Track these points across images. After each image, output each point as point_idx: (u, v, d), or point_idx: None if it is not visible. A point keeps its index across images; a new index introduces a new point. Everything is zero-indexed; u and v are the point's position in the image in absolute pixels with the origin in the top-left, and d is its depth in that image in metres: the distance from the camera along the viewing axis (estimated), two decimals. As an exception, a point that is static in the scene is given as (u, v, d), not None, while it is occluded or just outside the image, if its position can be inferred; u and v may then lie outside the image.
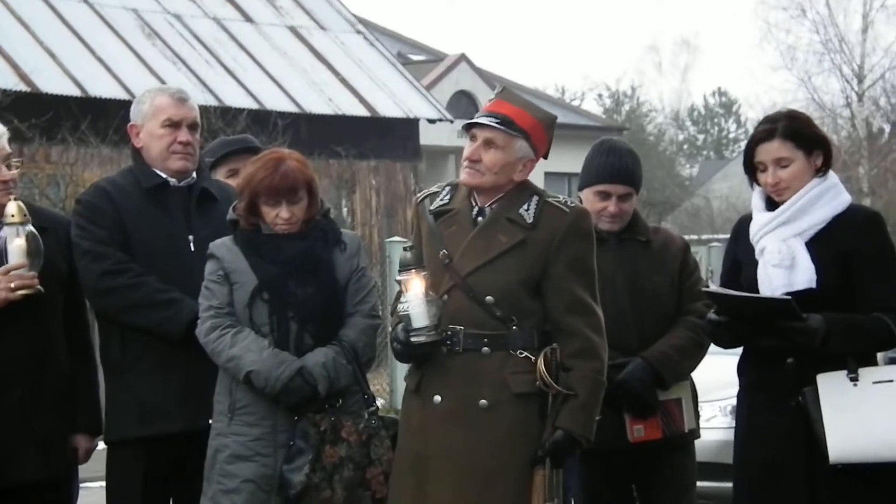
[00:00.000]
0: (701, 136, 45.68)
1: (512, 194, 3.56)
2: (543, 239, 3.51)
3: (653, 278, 4.13)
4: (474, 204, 3.59)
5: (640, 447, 4.07)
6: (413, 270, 3.51)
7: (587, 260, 3.55)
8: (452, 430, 3.50)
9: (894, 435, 3.46)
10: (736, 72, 63.40)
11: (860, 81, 24.75)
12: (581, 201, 4.16)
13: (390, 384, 11.18)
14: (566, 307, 3.50)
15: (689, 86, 53.61)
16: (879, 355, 3.90)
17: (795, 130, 3.63)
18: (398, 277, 3.55)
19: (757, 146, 3.63)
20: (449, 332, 3.51)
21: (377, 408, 3.75)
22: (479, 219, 3.57)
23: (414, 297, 3.49)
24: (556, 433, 3.45)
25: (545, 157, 3.63)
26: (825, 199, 3.61)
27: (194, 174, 4.05)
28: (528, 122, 3.52)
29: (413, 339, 3.50)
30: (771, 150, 3.61)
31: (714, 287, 3.70)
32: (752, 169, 3.68)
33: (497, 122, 3.50)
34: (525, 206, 3.54)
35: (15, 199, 3.81)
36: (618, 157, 4.17)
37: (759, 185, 3.69)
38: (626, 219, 4.19)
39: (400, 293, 3.57)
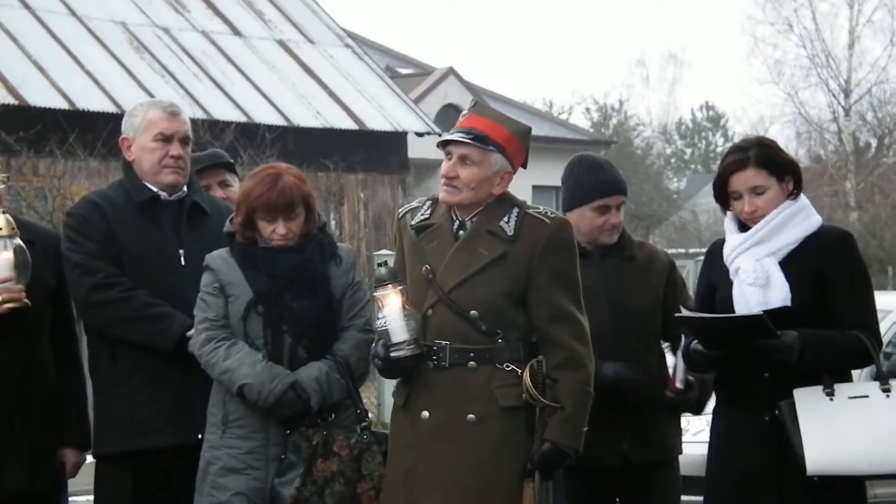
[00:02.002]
0: (688, 150, 45.81)
1: (492, 207, 3.56)
2: (525, 250, 3.51)
3: (635, 294, 4.13)
4: (455, 218, 3.59)
5: (627, 464, 4.07)
6: (389, 285, 3.52)
7: (570, 270, 3.55)
8: (441, 445, 3.49)
9: (870, 450, 3.50)
10: (723, 86, 63.63)
11: (847, 96, 24.87)
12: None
13: (378, 398, 11.17)
14: (550, 318, 3.50)
15: (677, 100, 53.83)
16: (865, 371, 3.93)
17: (768, 158, 3.65)
18: (375, 293, 3.56)
19: (731, 175, 3.65)
20: (435, 348, 3.51)
21: (370, 423, 3.74)
22: (461, 233, 3.57)
23: (392, 312, 3.50)
24: (544, 445, 3.45)
25: (524, 167, 3.63)
26: (797, 220, 3.65)
27: (185, 188, 4.05)
28: (502, 135, 3.53)
29: (393, 354, 3.51)
30: (745, 178, 3.64)
31: (686, 312, 3.71)
32: (723, 197, 3.70)
33: (471, 138, 3.51)
34: (505, 219, 3.54)
35: (3, 213, 3.80)
36: (607, 171, 4.19)
37: (730, 211, 3.72)
38: (620, 228, 4.21)
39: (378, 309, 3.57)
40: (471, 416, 3.48)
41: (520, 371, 3.49)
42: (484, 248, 3.52)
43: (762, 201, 3.63)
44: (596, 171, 4.18)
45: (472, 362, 3.49)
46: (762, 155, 3.65)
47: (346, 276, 3.81)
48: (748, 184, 3.64)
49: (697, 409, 4.17)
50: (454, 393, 3.50)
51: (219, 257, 3.79)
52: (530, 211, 3.56)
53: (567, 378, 3.47)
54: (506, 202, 3.58)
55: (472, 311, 3.49)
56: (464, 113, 3.60)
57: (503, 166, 3.54)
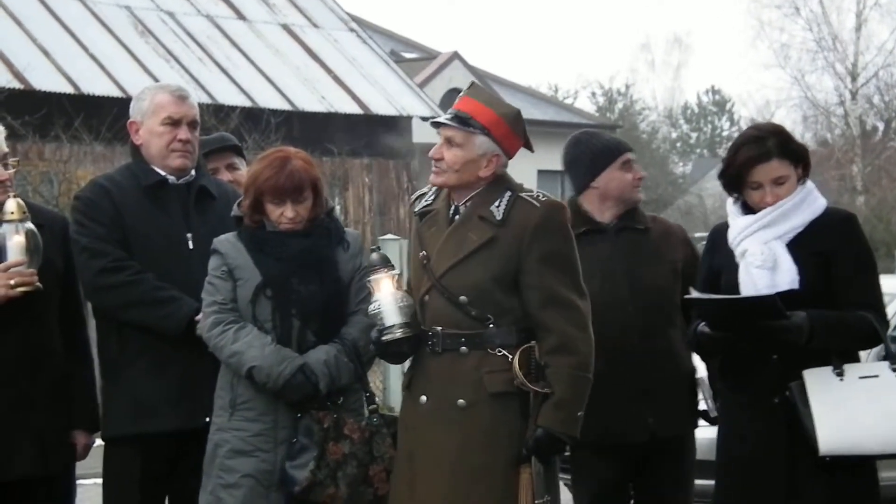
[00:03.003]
0: (694, 135, 45.72)
1: (486, 191, 3.55)
2: (514, 235, 3.50)
3: (652, 267, 4.13)
4: (452, 203, 3.59)
5: (653, 439, 4.07)
6: (382, 270, 3.55)
7: (562, 252, 3.52)
8: (436, 429, 3.51)
9: (881, 429, 3.50)
10: (729, 70, 63.42)
11: (854, 79, 24.77)
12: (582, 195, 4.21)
13: (383, 382, 11.20)
14: (541, 302, 3.48)
15: (682, 84, 53.70)
16: (873, 351, 3.94)
17: (787, 147, 3.65)
18: (368, 279, 3.59)
19: (754, 167, 3.62)
20: (430, 333, 3.52)
21: (378, 405, 3.76)
22: (456, 218, 3.57)
23: (384, 296, 3.53)
24: (537, 431, 3.44)
25: (530, 150, 3.61)
26: (805, 204, 3.65)
27: (193, 172, 4.05)
28: (489, 117, 3.51)
29: (385, 338, 3.53)
30: (770, 170, 3.62)
31: (696, 294, 3.70)
32: (737, 185, 3.67)
33: (456, 120, 3.51)
34: (497, 203, 3.53)
35: (14, 197, 3.80)
36: (606, 135, 4.33)
37: (737, 196, 3.69)
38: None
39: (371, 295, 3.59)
40: (461, 401, 3.49)
41: (510, 356, 3.47)
42: (474, 232, 3.52)
43: (783, 191, 3.63)
44: (603, 135, 4.30)
45: (463, 347, 3.50)
46: (782, 144, 3.64)
47: (354, 260, 3.81)
48: (772, 175, 3.62)
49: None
50: (447, 378, 3.51)
51: (227, 241, 3.79)
52: (523, 195, 3.55)
53: (559, 363, 3.45)
54: (500, 186, 3.56)
55: (462, 297, 3.49)
56: (460, 95, 3.60)
57: (489, 149, 3.52)
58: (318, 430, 3.65)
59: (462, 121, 3.51)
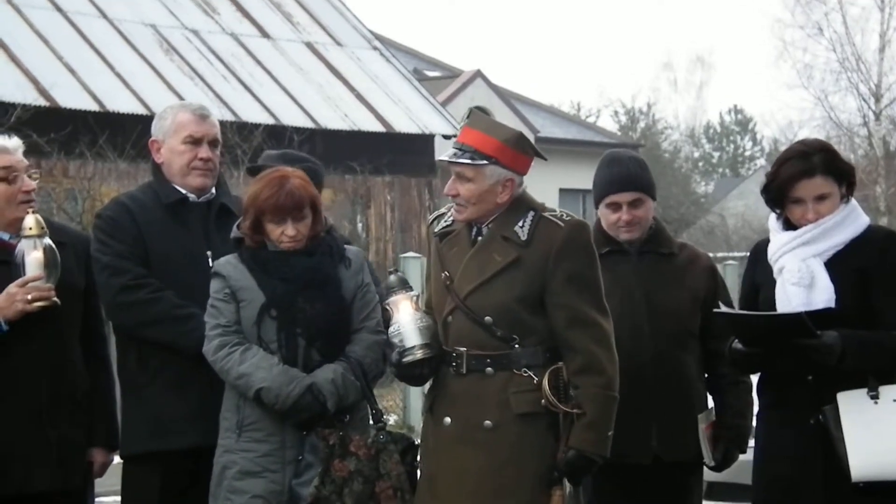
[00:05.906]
0: (716, 154, 45.66)
1: (508, 212, 3.55)
2: (539, 255, 3.49)
3: (672, 293, 4.11)
4: (474, 224, 3.59)
5: (658, 463, 4.05)
6: (400, 292, 3.55)
7: (587, 272, 3.51)
8: (461, 451, 3.50)
9: None
10: (752, 89, 63.41)
11: (877, 100, 24.65)
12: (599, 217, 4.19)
13: (403, 400, 11.19)
14: (567, 322, 3.48)
15: (705, 103, 53.60)
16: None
17: (833, 165, 3.62)
18: (387, 301, 3.59)
19: (797, 182, 3.59)
20: (454, 354, 3.52)
21: (385, 423, 3.75)
22: (479, 239, 3.57)
23: (403, 317, 3.53)
24: (569, 453, 3.44)
25: (544, 159, 3.59)
26: (847, 222, 3.62)
27: (213, 190, 4.08)
28: (493, 146, 3.49)
29: (406, 359, 3.52)
30: (813, 187, 3.59)
31: (725, 308, 3.68)
32: (779, 200, 3.63)
33: (462, 156, 3.49)
34: (520, 223, 3.52)
35: (33, 213, 3.83)
36: (621, 166, 4.16)
37: (780, 212, 3.65)
38: (644, 225, 4.17)
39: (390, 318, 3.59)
40: (487, 422, 3.49)
41: (535, 379, 3.47)
42: (498, 253, 3.52)
43: (825, 208, 3.60)
44: (609, 167, 4.17)
45: (489, 368, 3.49)
46: (827, 162, 3.61)
47: (356, 277, 3.82)
48: (815, 192, 3.59)
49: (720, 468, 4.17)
50: (472, 399, 3.51)
51: (228, 263, 3.80)
52: (546, 214, 3.54)
53: (587, 383, 3.45)
54: (522, 206, 3.56)
55: (487, 317, 3.49)
56: (460, 124, 3.59)
57: (501, 175, 3.51)
58: (324, 448, 3.65)
59: (468, 155, 3.49)
